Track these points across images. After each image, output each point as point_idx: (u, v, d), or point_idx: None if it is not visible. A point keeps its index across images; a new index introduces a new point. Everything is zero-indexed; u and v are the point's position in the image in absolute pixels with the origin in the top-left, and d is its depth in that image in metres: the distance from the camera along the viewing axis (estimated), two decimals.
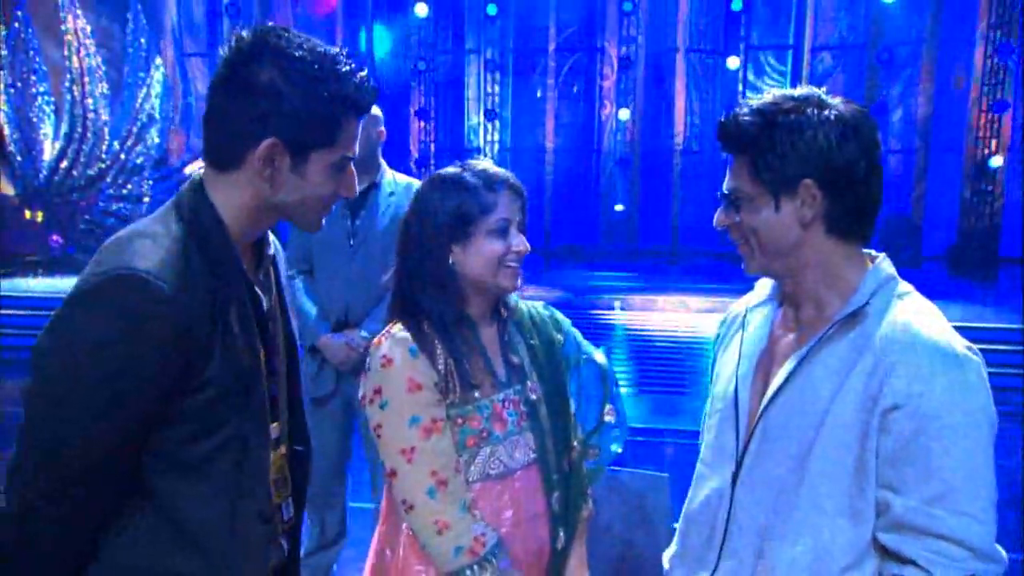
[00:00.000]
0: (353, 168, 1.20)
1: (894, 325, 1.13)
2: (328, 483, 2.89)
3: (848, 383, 1.12)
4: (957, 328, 1.17)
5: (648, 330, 7.80)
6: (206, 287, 1.09)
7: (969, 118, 11.39)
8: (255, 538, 1.18)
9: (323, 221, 1.22)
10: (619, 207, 13.06)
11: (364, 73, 1.15)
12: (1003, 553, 1.09)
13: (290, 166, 1.12)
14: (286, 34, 1.13)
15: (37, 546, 1.09)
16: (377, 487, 3.04)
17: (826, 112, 1.13)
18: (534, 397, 1.45)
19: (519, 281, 1.41)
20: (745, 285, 1.44)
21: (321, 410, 2.76)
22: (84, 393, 1.04)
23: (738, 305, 1.37)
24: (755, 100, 1.17)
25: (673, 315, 8.54)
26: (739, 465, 1.22)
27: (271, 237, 1.31)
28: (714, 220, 1.22)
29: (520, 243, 1.39)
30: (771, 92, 1.19)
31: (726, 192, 1.20)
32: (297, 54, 1.10)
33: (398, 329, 1.37)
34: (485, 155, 13.34)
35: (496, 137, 13.44)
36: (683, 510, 1.35)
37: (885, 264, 1.20)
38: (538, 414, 1.44)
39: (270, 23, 1.17)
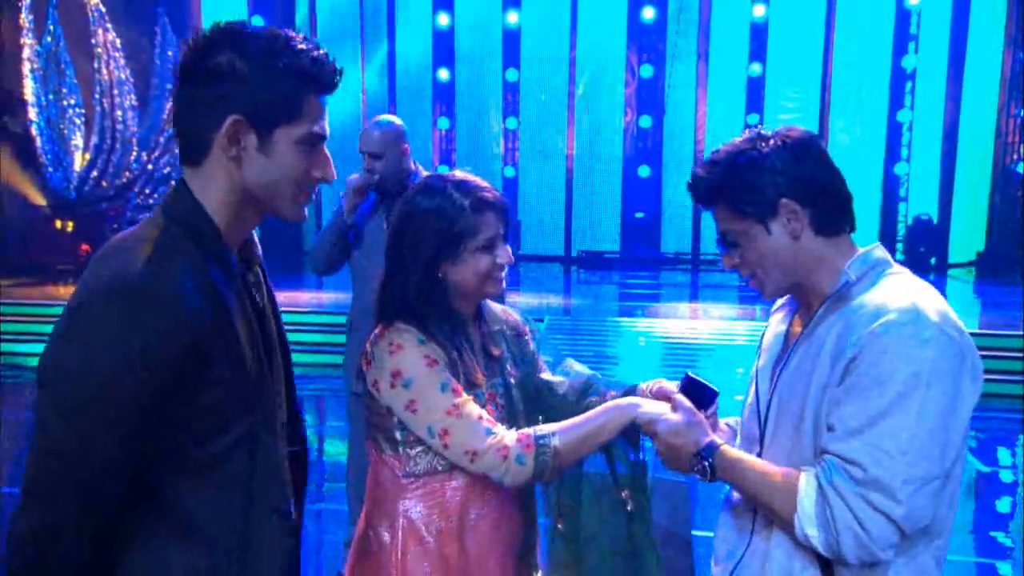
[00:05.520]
0: (327, 150, 1.20)
1: (873, 295, 1.22)
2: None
3: (825, 348, 1.23)
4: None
5: (670, 338, 7.75)
6: (203, 285, 1.09)
7: (996, 123, 11.22)
8: (273, 534, 1.18)
9: (304, 210, 1.21)
10: (639, 214, 13.03)
11: (322, 51, 1.16)
12: (913, 503, 1.11)
13: (256, 145, 1.13)
14: (247, 24, 1.15)
15: (50, 547, 1.07)
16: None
17: (772, 141, 1.28)
18: (512, 381, 1.55)
19: (503, 286, 1.53)
20: None
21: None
22: (90, 401, 1.03)
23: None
24: (711, 157, 1.33)
25: (695, 323, 8.48)
26: (761, 446, 1.32)
27: (255, 238, 1.31)
28: (723, 264, 1.37)
29: (505, 256, 1.49)
30: (721, 146, 1.33)
31: (721, 235, 1.34)
32: (252, 34, 1.13)
33: (399, 323, 1.45)
34: (506, 163, 13.40)
35: (517, 144, 13.49)
36: (724, 497, 1.43)
37: (877, 251, 1.29)
38: (513, 401, 1.54)
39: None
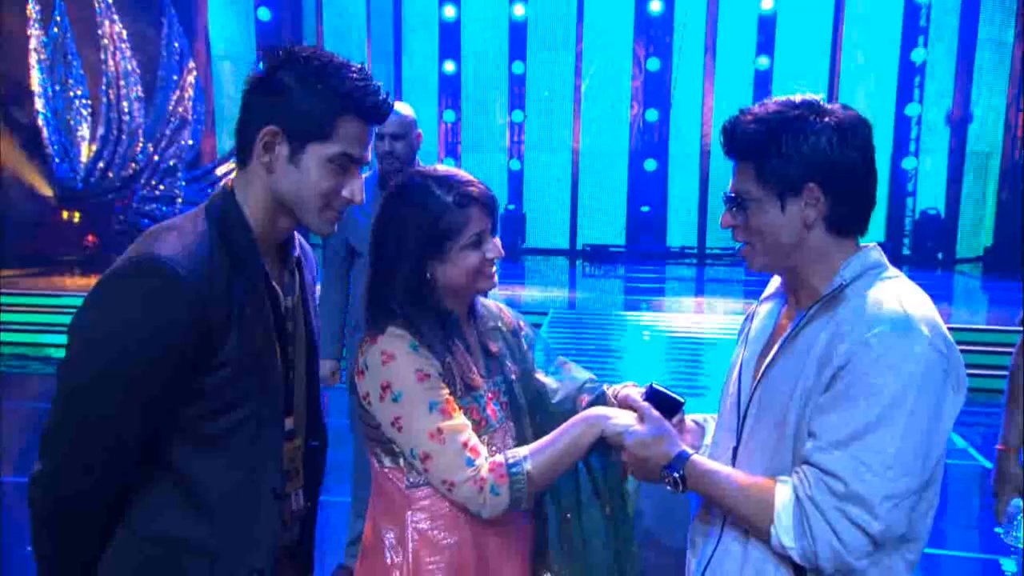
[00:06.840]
0: (359, 172, 1.26)
1: (864, 300, 1.18)
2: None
3: (813, 351, 1.19)
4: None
5: (675, 332, 7.74)
6: (224, 277, 1.18)
7: (1006, 117, 11.15)
8: (268, 512, 1.26)
9: (334, 226, 1.27)
10: (645, 208, 13.01)
11: (373, 82, 1.23)
12: (891, 518, 1.10)
13: (288, 155, 1.21)
14: (311, 48, 1.24)
15: (64, 506, 1.19)
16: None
17: (826, 118, 1.19)
18: (513, 377, 1.51)
19: (495, 280, 1.46)
20: None
21: None
22: (106, 367, 1.13)
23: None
24: (757, 108, 1.24)
25: (700, 317, 8.47)
26: (739, 440, 1.30)
27: (299, 242, 1.37)
28: (721, 221, 1.28)
29: (493, 250, 1.43)
30: (772, 100, 1.24)
31: (731, 195, 1.26)
32: (309, 56, 1.21)
33: (392, 328, 1.40)
34: (511, 156, 13.39)
35: (523, 137, 13.47)
36: None
37: (874, 252, 1.24)
38: (516, 397, 1.50)
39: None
